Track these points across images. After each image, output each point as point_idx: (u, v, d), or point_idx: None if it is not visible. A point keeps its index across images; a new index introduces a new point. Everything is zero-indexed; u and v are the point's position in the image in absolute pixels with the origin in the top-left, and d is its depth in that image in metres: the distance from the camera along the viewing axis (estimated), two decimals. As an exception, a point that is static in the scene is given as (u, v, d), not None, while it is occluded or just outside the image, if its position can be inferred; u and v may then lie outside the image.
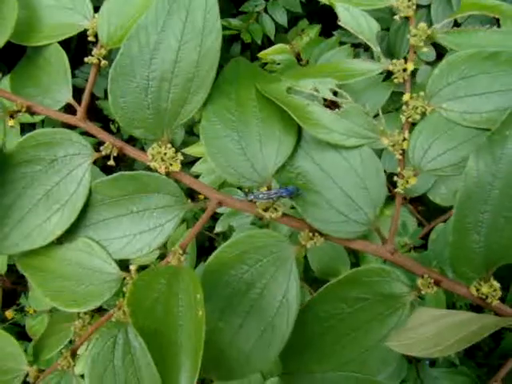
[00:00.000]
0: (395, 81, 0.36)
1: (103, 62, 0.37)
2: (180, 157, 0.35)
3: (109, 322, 0.35)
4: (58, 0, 0.40)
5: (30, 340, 0.99)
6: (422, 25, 0.36)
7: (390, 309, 0.35)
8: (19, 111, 0.37)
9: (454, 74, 0.34)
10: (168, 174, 0.35)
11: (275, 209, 0.35)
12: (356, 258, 0.63)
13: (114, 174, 0.36)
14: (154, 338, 0.30)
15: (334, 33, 0.83)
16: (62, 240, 0.37)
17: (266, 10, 0.88)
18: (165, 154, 0.35)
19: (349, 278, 0.35)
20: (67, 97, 0.38)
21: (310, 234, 0.35)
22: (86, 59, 0.37)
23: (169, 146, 0.35)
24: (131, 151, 0.36)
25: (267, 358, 0.35)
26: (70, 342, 0.38)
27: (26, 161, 0.36)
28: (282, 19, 0.86)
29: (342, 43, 0.82)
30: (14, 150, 0.36)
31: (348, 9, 0.37)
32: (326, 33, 0.88)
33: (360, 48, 0.80)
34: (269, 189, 0.35)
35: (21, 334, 1.04)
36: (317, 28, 0.79)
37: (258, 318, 0.35)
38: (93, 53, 0.37)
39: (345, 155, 0.35)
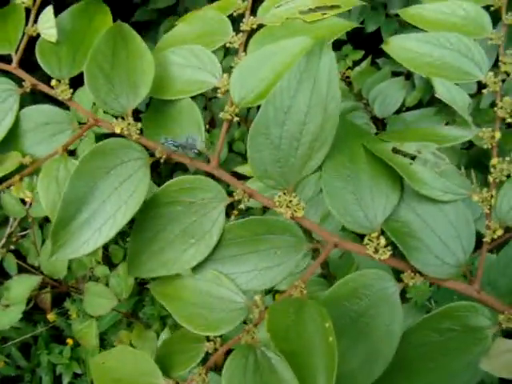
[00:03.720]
0: (484, 146, 0.43)
1: (235, 118, 0.43)
2: (303, 204, 0.41)
3: (239, 345, 0.40)
4: (186, 59, 0.46)
5: (63, 343, 1.03)
6: (507, 99, 0.43)
7: (475, 339, 0.42)
8: (160, 158, 0.42)
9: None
10: (292, 218, 0.41)
11: (384, 252, 0.41)
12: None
13: (246, 218, 0.42)
14: (292, 359, 0.36)
15: (378, 61, 0.91)
16: (193, 272, 0.42)
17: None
18: (290, 201, 0.41)
19: (443, 312, 0.41)
20: (201, 147, 0.43)
21: (412, 274, 0.41)
22: (220, 115, 0.43)
23: (293, 194, 0.41)
24: (260, 198, 0.42)
25: (371, 376, 0.41)
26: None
27: (169, 202, 0.42)
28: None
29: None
30: (159, 192, 0.42)
31: (443, 83, 0.44)
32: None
33: (401, 76, 0.88)
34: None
35: (55, 336, 1.08)
36: (360, 54, 0.87)
37: (364, 342, 0.41)
38: (225, 109, 0.43)
39: (441, 207, 0.42)
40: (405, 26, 0.98)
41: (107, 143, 0.41)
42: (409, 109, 0.86)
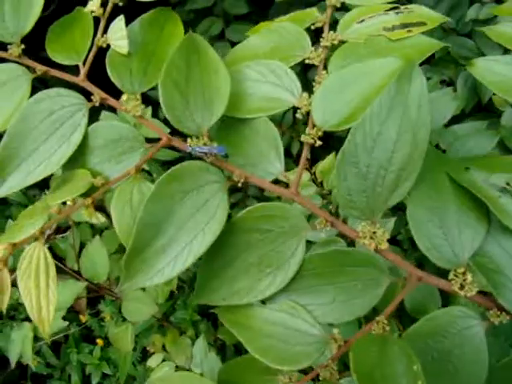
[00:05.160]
0: None
1: (318, 142, 0.41)
2: (387, 235, 0.39)
3: (318, 382, 0.39)
4: (263, 75, 0.43)
5: (93, 343, 1.02)
6: None
7: None
8: (238, 181, 0.40)
9: None
10: (376, 250, 0.39)
11: (470, 288, 0.39)
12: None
13: (329, 249, 0.40)
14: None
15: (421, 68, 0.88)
16: (266, 301, 0.41)
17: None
18: (374, 232, 0.39)
19: None
20: (280, 170, 0.41)
21: (498, 312, 0.40)
22: (301, 138, 0.41)
23: (378, 225, 0.39)
24: (343, 228, 0.40)
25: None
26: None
27: (247, 229, 0.40)
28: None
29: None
30: (238, 219, 0.40)
31: None
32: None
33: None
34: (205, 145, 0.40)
35: (85, 336, 1.07)
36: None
37: (447, 381, 0.39)
38: (307, 131, 0.41)
39: (529, 243, 0.40)
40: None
41: (184, 166, 0.39)
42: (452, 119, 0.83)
